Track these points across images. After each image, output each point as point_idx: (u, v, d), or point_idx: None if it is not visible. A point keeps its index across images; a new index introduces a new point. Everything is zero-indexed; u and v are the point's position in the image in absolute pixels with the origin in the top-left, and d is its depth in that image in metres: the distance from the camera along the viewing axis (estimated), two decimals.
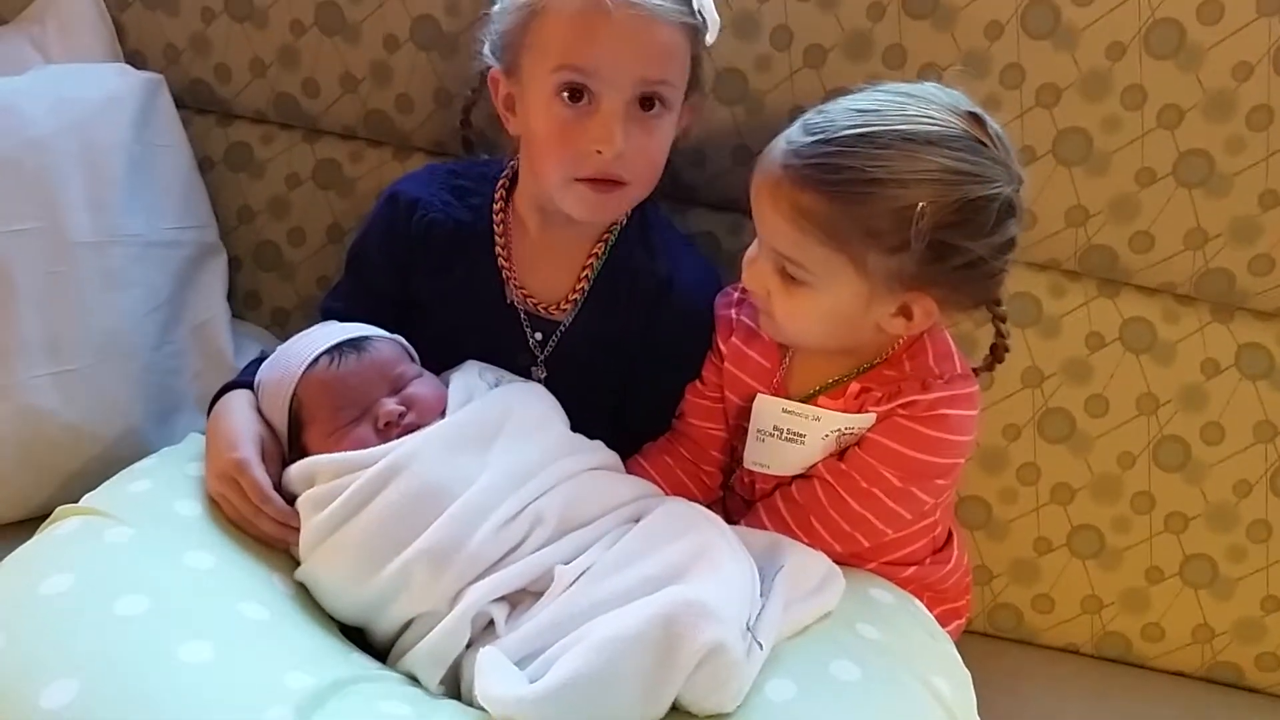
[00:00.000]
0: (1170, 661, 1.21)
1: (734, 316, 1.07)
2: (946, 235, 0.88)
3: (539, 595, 0.88)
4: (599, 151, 0.97)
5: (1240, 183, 1.10)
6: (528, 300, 1.10)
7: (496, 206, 1.10)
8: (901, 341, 1.00)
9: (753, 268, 0.97)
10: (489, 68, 1.05)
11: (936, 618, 1.01)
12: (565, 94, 0.97)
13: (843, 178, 0.88)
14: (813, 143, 0.91)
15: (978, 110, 0.91)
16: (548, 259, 1.10)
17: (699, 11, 0.98)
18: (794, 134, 0.93)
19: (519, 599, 0.89)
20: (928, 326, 0.97)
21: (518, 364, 1.10)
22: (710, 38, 1.01)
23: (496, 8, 1.03)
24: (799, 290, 0.94)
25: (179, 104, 1.30)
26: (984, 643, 1.23)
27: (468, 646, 0.87)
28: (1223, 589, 1.18)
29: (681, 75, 1.00)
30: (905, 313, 0.94)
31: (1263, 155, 1.09)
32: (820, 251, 0.91)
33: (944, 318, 0.98)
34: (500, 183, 1.11)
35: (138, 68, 1.29)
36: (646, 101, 0.98)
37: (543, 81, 0.98)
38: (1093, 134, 1.12)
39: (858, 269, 0.91)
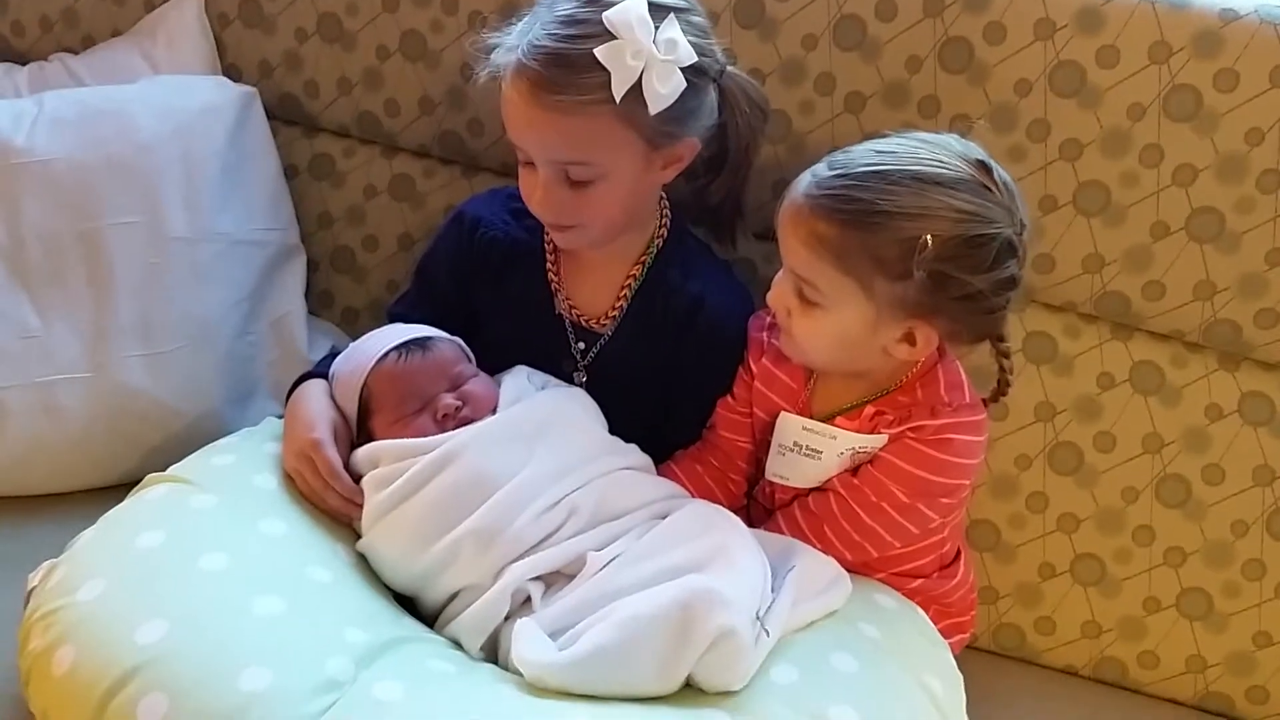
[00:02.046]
0: (1164, 689, 1.27)
1: (765, 339, 1.15)
2: (947, 267, 0.96)
3: (571, 578, 0.97)
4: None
5: (1249, 241, 1.17)
6: (573, 312, 1.19)
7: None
8: (915, 370, 1.08)
9: (776, 289, 1.06)
10: None
11: (942, 630, 1.08)
12: (520, 155, 1.08)
13: (855, 208, 0.97)
14: (832, 176, 1.00)
15: (986, 159, 1.00)
16: (592, 276, 1.19)
17: (640, 88, 1.00)
18: (819, 168, 1.02)
19: (554, 579, 0.98)
20: (929, 353, 1.05)
21: (562, 370, 1.19)
22: (655, 108, 1.01)
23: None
24: (813, 311, 1.02)
25: (269, 115, 1.40)
26: (988, 660, 1.29)
27: (506, 618, 0.96)
28: (1217, 622, 1.24)
29: (607, 148, 1.03)
30: (909, 339, 1.02)
31: (1271, 216, 1.16)
32: (832, 275, 0.99)
33: (950, 348, 1.06)
34: None
35: (234, 80, 1.40)
36: (573, 173, 1.05)
37: None
38: (1111, 188, 1.19)
39: (865, 293, 0.99)
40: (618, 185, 1.07)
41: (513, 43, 1.05)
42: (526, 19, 1.06)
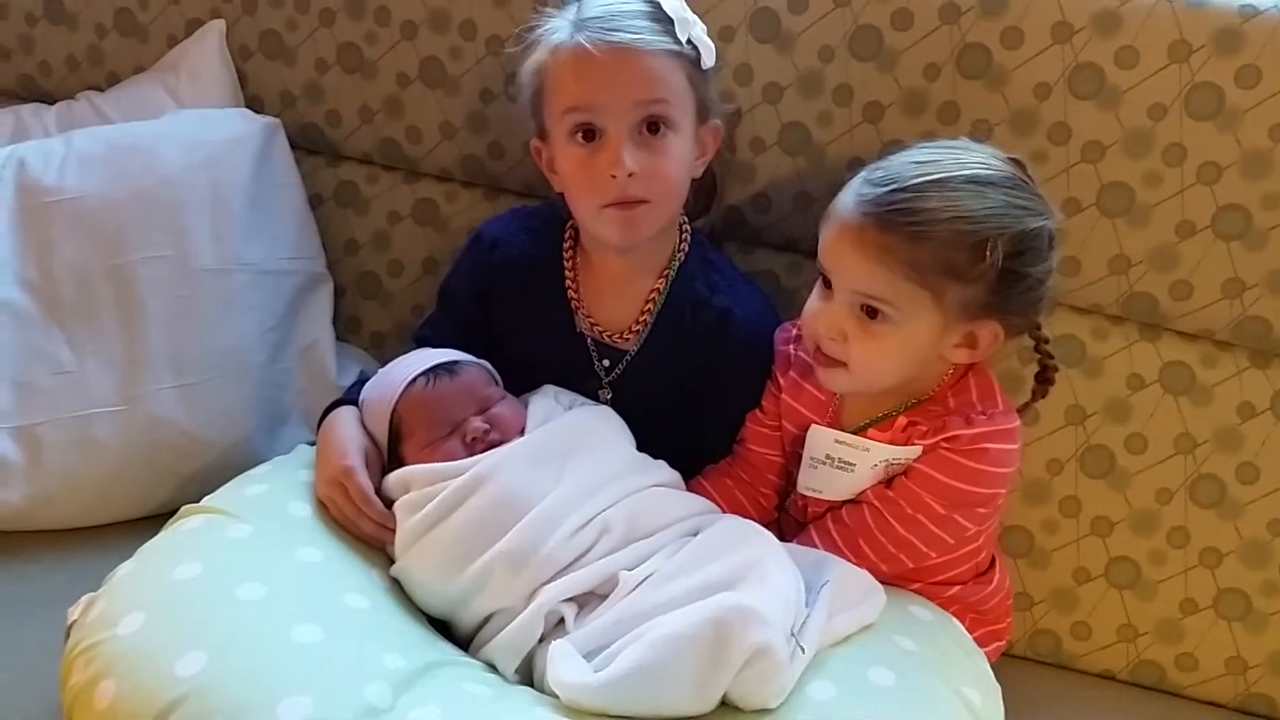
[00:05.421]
0: (1203, 691, 1.25)
1: (791, 352, 1.15)
2: (1014, 263, 0.99)
3: (605, 597, 0.97)
4: (613, 176, 1.07)
5: (1276, 237, 1.15)
6: (595, 330, 1.20)
7: (566, 245, 1.21)
8: (947, 378, 1.08)
9: (825, 315, 1.04)
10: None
11: (978, 639, 1.08)
12: (579, 135, 1.08)
13: (923, 218, 0.98)
14: (888, 191, 1.00)
15: (1016, 156, 1.03)
16: (613, 292, 1.19)
17: (690, 40, 1.07)
18: (861, 188, 1.02)
19: (587, 600, 0.98)
20: (990, 353, 1.05)
21: (586, 388, 1.19)
22: (708, 62, 1.10)
23: (519, 84, 1.14)
24: (879, 328, 1.01)
25: (293, 145, 1.42)
26: (1024, 666, 1.28)
27: (540, 640, 0.97)
28: (1256, 623, 1.22)
29: (678, 95, 1.08)
30: (969, 341, 1.03)
31: None
32: (905, 287, 0.99)
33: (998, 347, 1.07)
34: (570, 224, 1.21)
35: (257, 112, 1.42)
36: (651, 125, 1.07)
37: (559, 130, 1.10)
38: (1135, 188, 1.18)
39: (936, 302, 1.00)
40: (680, 146, 1.09)
41: (563, 24, 1.09)
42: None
